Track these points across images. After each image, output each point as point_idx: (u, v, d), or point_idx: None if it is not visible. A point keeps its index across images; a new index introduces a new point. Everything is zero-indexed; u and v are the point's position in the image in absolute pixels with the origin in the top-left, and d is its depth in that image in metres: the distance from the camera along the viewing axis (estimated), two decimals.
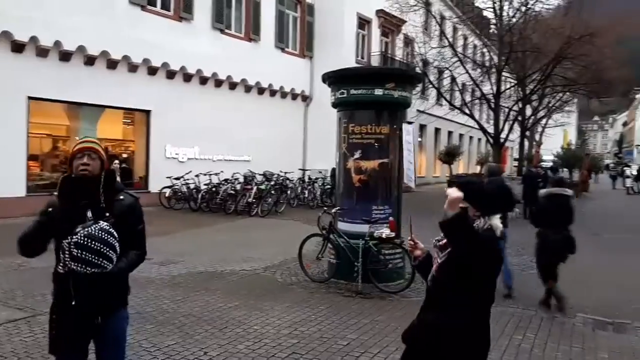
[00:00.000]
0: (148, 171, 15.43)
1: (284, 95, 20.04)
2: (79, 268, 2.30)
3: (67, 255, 2.30)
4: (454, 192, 2.35)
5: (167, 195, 14.67)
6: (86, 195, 2.44)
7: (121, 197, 2.57)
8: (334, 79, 7.19)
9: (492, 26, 21.38)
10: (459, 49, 21.50)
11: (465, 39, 28.02)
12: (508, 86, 20.59)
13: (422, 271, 2.68)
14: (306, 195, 17.08)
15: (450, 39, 21.15)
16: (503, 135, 18.21)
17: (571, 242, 6.27)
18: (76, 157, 2.48)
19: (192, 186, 14.98)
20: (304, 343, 4.59)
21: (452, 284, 2.44)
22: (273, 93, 19.53)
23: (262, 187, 14.70)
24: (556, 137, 45.13)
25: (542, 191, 7.03)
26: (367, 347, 4.53)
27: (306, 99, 21.03)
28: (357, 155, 6.95)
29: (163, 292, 6.12)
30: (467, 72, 18.08)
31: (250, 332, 4.84)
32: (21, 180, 12.49)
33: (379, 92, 6.77)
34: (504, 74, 19.02)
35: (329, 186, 16.69)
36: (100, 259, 2.29)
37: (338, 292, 6.44)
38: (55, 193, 2.48)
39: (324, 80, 7.40)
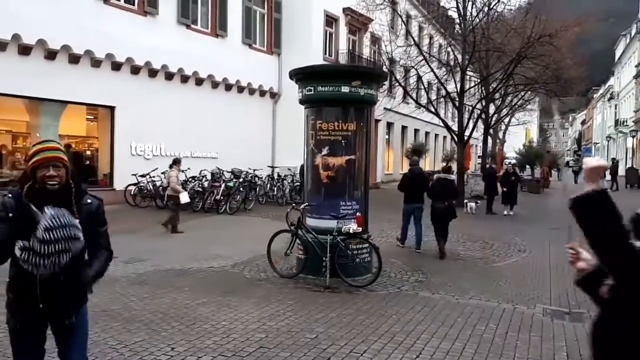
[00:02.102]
0: (113, 168, 15.09)
1: (252, 91, 19.94)
2: (60, 247, 2.32)
3: (38, 246, 2.30)
4: (594, 161, 1.78)
5: (132, 192, 14.40)
6: (59, 205, 2.40)
7: (88, 200, 2.59)
8: (302, 75, 7.23)
9: (456, 26, 21.81)
10: (425, 48, 21.85)
11: (431, 37, 28.48)
12: (472, 85, 21.04)
13: (588, 289, 1.96)
14: (275, 192, 17.08)
15: (416, 38, 21.45)
16: (467, 133, 18.62)
17: (452, 209, 9.15)
18: (40, 167, 2.41)
19: (158, 183, 14.74)
20: (272, 337, 4.64)
21: (626, 320, 1.68)
22: (241, 89, 19.41)
23: (230, 184, 14.62)
24: (519, 135, 46.42)
25: (435, 176, 10.09)
26: (334, 340, 4.61)
27: (274, 95, 20.98)
28: (324, 151, 7.02)
29: (130, 290, 6.06)
30: (432, 70, 18.39)
31: (218, 327, 4.85)
32: None
33: (345, 89, 6.85)
34: (468, 72, 19.44)
35: (298, 183, 16.73)
36: (72, 230, 2.36)
37: (306, 287, 6.51)
38: (10, 195, 2.41)
39: (291, 77, 7.44)
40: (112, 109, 15.03)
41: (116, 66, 14.84)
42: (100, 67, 14.44)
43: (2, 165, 13.97)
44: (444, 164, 11.59)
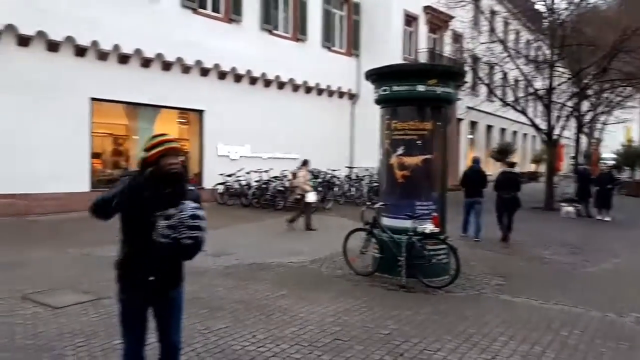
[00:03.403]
0: (202, 168, 16.03)
1: (330, 93, 20.26)
2: (191, 234, 2.68)
3: (182, 228, 2.66)
4: None
5: (220, 191, 15.25)
6: (176, 188, 2.81)
7: (191, 188, 2.99)
8: (377, 76, 7.29)
9: (544, 20, 20.70)
10: (510, 44, 20.99)
11: (517, 33, 27.25)
12: (562, 81, 19.93)
13: None
14: (353, 193, 17.23)
15: (501, 34, 20.69)
16: (557, 132, 17.72)
17: (517, 200, 10.33)
18: (165, 156, 2.79)
19: (243, 183, 15.48)
20: (346, 330, 4.77)
21: None
22: (320, 92, 19.78)
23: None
24: (618, 134, 43.01)
25: (500, 170, 11.83)
26: (408, 337, 4.65)
27: (353, 97, 21.16)
28: (400, 151, 7.04)
29: (216, 281, 6.47)
30: (517, 67, 17.63)
31: (295, 318, 5.08)
32: (85, 176, 13.32)
33: (421, 88, 6.83)
34: (558, 68, 18.46)
35: (376, 183, 16.76)
36: (202, 223, 2.75)
37: (382, 286, 6.57)
38: (128, 177, 2.80)
39: (367, 78, 7.53)
40: (201, 112, 15.98)
41: (204, 72, 15.74)
42: (190, 73, 15.40)
43: (105, 165, 15.28)
44: (509, 160, 13.62)
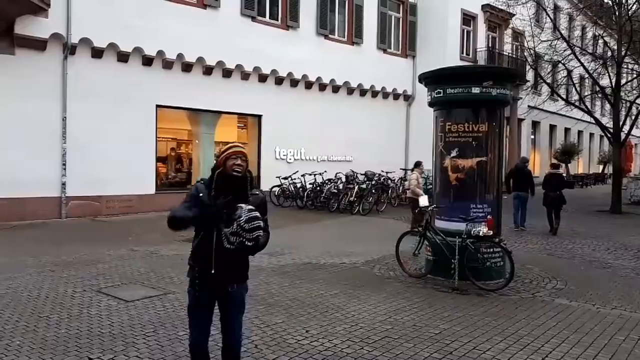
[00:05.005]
0: (260, 171, 16.55)
1: (385, 95, 20.28)
2: (249, 236, 2.89)
3: (243, 232, 2.88)
4: None
5: (276, 193, 15.68)
6: (238, 189, 3.02)
7: (256, 192, 3.18)
8: (430, 79, 7.34)
9: (612, 14, 19.75)
10: (575, 41, 20.20)
11: (582, 29, 26.12)
12: (631, 78, 18.95)
13: None
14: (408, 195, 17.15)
15: (565, 30, 19.93)
16: (625, 132, 16.88)
17: (562, 197, 11.63)
18: (231, 158, 3.04)
19: (298, 185, 15.84)
20: (397, 329, 4.90)
21: None
22: (375, 94, 19.86)
23: (364, 186, 15.11)
24: None
25: (547, 171, 13.28)
26: (457, 337, 4.72)
27: (408, 98, 21.07)
28: (454, 153, 7.06)
29: (272, 279, 6.77)
30: (581, 64, 16.95)
31: (348, 316, 5.26)
32: (151, 179, 14.11)
33: (476, 90, 6.82)
34: (627, 65, 17.58)
35: (430, 186, 16.61)
36: (260, 223, 2.92)
37: (434, 288, 6.63)
38: (201, 182, 3.08)
39: (420, 81, 7.59)
40: (259, 117, 16.51)
41: (262, 78, 16.25)
42: (249, 79, 15.95)
43: (169, 169, 16.11)
44: (554, 162, 15.33)
